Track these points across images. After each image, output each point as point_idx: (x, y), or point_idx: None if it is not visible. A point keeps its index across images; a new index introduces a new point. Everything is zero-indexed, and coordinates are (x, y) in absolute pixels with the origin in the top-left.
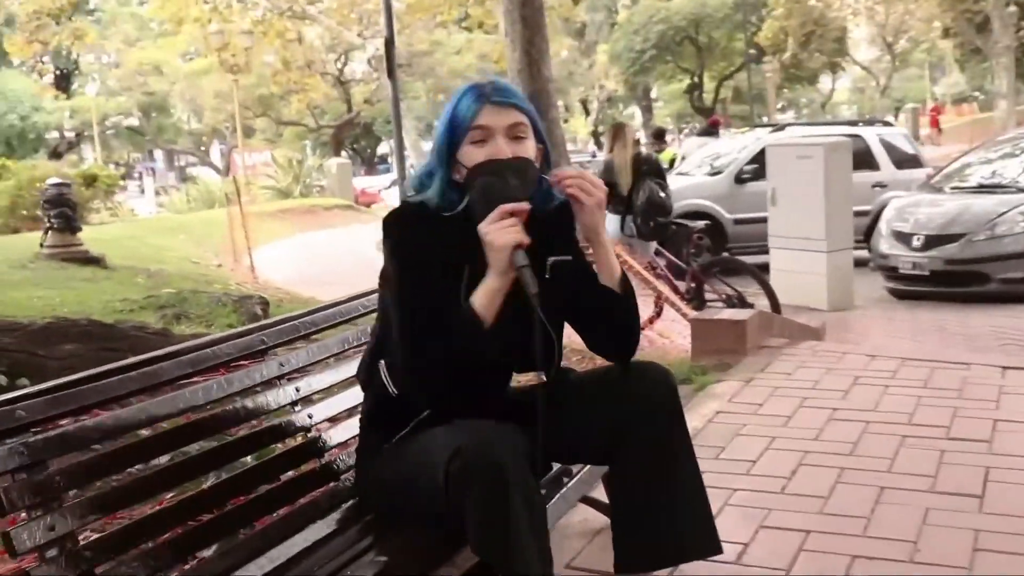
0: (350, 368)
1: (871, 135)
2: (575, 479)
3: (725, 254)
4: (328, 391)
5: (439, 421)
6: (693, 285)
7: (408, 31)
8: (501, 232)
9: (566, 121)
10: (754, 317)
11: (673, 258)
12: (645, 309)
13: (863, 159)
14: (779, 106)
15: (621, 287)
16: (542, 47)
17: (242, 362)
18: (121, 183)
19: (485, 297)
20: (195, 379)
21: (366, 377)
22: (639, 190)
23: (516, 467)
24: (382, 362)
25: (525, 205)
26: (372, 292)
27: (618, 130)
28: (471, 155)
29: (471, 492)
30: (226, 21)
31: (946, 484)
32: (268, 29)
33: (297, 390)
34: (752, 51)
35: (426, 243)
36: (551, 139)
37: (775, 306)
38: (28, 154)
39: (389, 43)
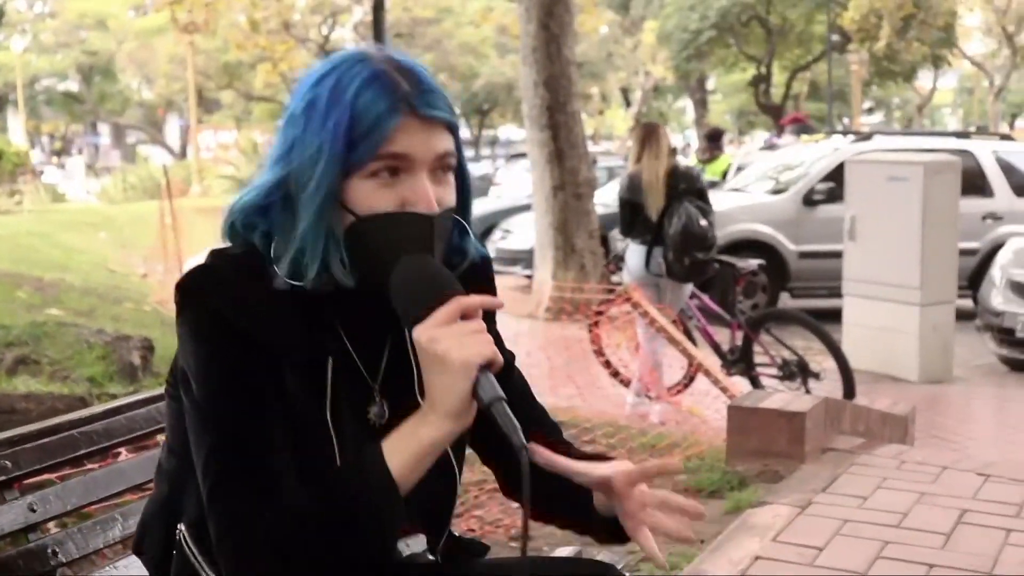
0: None
1: (985, 152)
2: None
3: (785, 295)
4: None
5: None
6: (739, 344)
7: None
8: (461, 342)
9: (601, 113)
10: (817, 409)
11: (714, 305)
12: (672, 372)
13: (972, 182)
14: (866, 107)
15: None
16: (564, 20)
17: None
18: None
19: (416, 450)
20: None
21: (153, 546)
22: (673, 215)
23: None
24: (181, 526)
25: (495, 300)
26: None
27: (648, 133)
28: (369, 196)
29: None
30: None
31: None
32: None
33: (54, 553)
34: (835, 37)
35: (258, 328)
36: (568, 137)
37: (846, 379)
38: None
39: (378, 7)
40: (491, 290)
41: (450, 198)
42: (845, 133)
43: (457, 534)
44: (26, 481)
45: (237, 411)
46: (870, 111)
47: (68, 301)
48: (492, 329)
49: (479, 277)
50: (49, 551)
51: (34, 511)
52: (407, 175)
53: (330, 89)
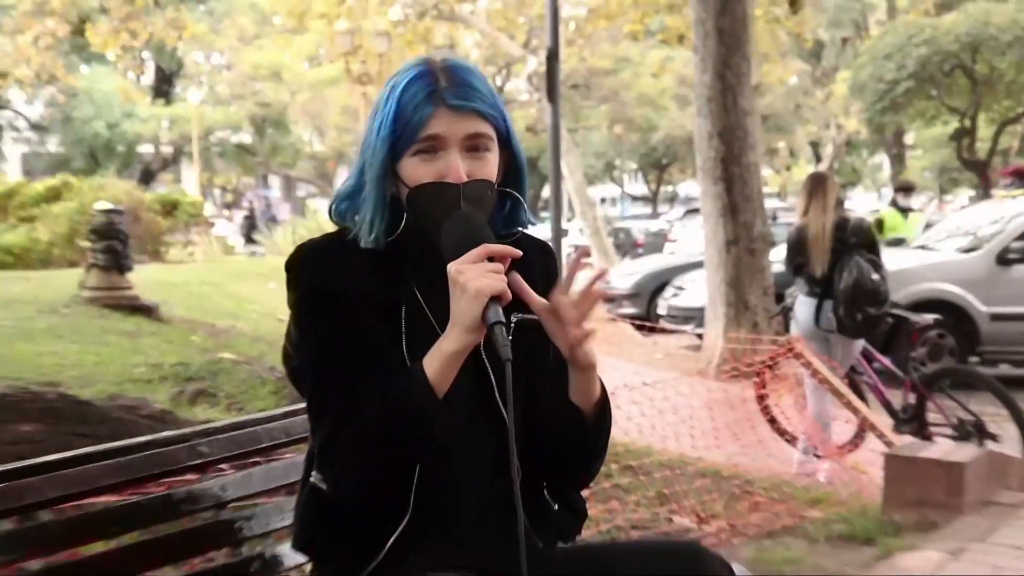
0: None
1: None
2: None
3: (975, 359)
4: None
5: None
6: (912, 402)
7: (586, 43)
8: (479, 275)
9: (788, 168)
10: (980, 459)
11: (887, 363)
12: (843, 430)
13: None
14: None
15: (594, 412)
16: (742, 69)
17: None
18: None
19: (440, 360)
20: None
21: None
22: (843, 269)
23: None
24: (314, 474)
25: (513, 251)
26: None
27: (816, 184)
28: (414, 170)
29: None
30: (357, 19)
31: None
32: (409, 31)
33: (239, 528)
34: None
35: (346, 287)
36: (743, 190)
37: None
38: (117, 170)
39: (552, 56)
40: (547, 261)
41: (484, 171)
42: None
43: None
44: (217, 466)
45: (329, 357)
46: None
47: (239, 346)
48: (548, 286)
49: (536, 249)
50: (236, 526)
51: (224, 491)
52: (443, 152)
53: (388, 90)
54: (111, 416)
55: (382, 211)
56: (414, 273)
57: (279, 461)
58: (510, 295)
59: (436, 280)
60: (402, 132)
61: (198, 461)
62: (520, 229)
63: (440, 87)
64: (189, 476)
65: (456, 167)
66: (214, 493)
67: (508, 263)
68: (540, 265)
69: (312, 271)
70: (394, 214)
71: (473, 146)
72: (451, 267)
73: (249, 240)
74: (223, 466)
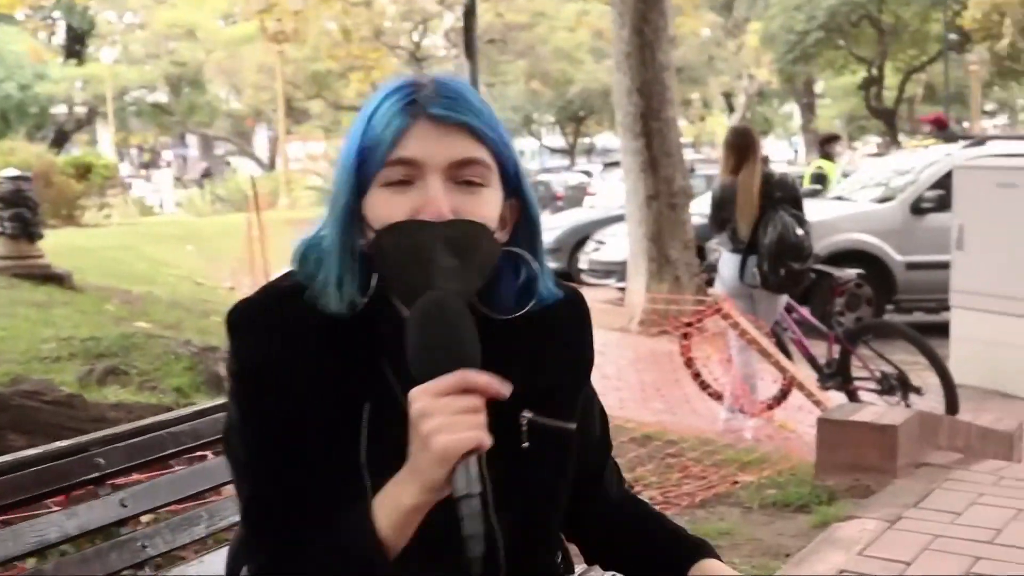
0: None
1: None
2: None
3: (890, 307)
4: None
5: None
6: (836, 356)
7: None
8: (449, 423)
9: (702, 119)
10: (911, 423)
11: (810, 317)
12: (766, 387)
13: None
14: (986, 108)
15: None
16: (659, 24)
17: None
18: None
19: (396, 513)
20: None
21: None
22: (768, 224)
23: None
24: (244, 570)
25: (501, 390)
26: None
27: (742, 140)
28: (382, 206)
29: None
30: None
31: None
32: None
33: (143, 546)
34: (953, 36)
35: (294, 367)
36: (663, 145)
37: (949, 394)
38: (29, 132)
39: (469, 13)
40: (574, 329)
41: (479, 211)
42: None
43: None
44: (117, 480)
45: (270, 466)
46: (992, 114)
47: (155, 314)
48: (578, 371)
49: (562, 315)
50: (139, 544)
51: (125, 507)
52: (420, 181)
53: (366, 105)
54: (11, 404)
55: (350, 266)
56: (391, 347)
57: (186, 468)
58: (488, 444)
59: None
60: (368, 156)
61: (95, 474)
62: (547, 297)
63: (421, 95)
64: (85, 491)
65: (436, 199)
66: (113, 508)
67: (494, 394)
68: (572, 322)
69: (252, 342)
70: (365, 272)
71: (463, 176)
72: (413, 398)
73: None
74: (122, 479)
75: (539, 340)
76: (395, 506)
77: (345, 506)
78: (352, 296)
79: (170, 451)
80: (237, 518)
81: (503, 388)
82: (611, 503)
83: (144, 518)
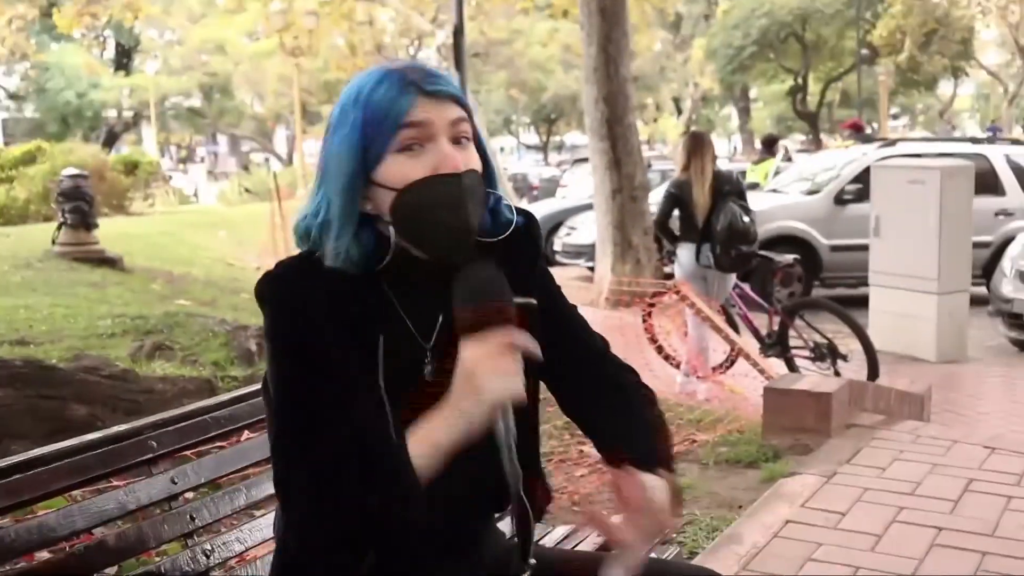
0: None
1: (997, 155)
2: None
3: (817, 283)
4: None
5: None
6: (776, 328)
7: (485, 18)
8: (498, 377)
9: (655, 120)
10: (842, 390)
11: (754, 295)
12: (716, 356)
13: (986, 183)
14: (892, 112)
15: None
16: (621, 43)
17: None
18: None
19: (430, 451)
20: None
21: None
22: (719, 213)
23: None
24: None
25: (537, 352)
26: None
27: (696, 144)
28: (402, 169)
29: None
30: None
31: None
32: (334, 11)
33: (191, 518)
34: (864, 51)
35: (316, 313)
36: (625, 147)
37: (871, 360)
38: (85, 133)
39: (458, 31)
40: (530, 243)
41: (475, 162)
42: (872, 140)
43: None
44: (167, 460)
45: (298, 403)
46: (896, 117)
47: (194, 292)
48: (535, 267)
49: (521, 236)
50: (188, 516)
51: (175, 483)
52: (431, 143)
53: (351, 96)
54: (74, 379)
55: (353, 227)
56: (401, 290)
57: (227, 448)
58: (525, 399)
59: (425, 296)
60: (376, 133)
61: (149, 455)
62: (510, 220)
63: (411, 78)
64: (140, 470)
65: (452, 154)
66: (165, 485)
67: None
68: (526, 240)
69: (279, 299)
70: (367, 234)
71: (457, 135)
72: (464, 352)
73: None
74: (171, 458)
75: (511, 251)
76: (432, 443)
77: (371, 424)
78: (363, 252)
79: (213, 433)
80: (273, 490)
81: (538, 353)
82: (595, 352)
83: (190, 493)
